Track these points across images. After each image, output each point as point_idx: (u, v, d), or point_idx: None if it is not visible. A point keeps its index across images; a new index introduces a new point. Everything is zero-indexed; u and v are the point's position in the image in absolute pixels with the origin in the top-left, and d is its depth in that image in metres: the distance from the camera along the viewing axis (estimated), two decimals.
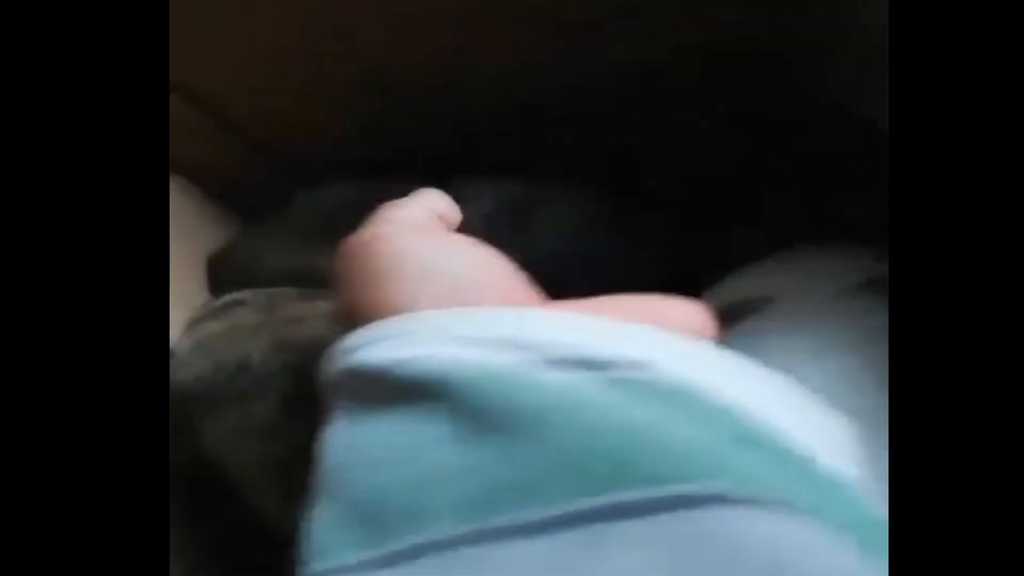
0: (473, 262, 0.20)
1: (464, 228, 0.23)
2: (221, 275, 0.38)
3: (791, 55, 0.32)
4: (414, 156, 0.37)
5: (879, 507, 0.14)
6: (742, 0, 0.30)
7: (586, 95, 0.36)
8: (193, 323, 0.29)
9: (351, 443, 0.17)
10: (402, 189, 0.23)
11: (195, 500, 0.30)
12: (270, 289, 0.29)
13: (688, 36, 0.32)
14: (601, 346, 0.16)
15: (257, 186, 0.40)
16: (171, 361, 0.28)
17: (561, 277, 0.21)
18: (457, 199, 0.24)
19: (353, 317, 0.19)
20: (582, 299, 0.19)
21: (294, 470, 0.26)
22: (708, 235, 0.36)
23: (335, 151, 0.38)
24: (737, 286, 0.30)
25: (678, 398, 0.15)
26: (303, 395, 0.26)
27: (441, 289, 0.18)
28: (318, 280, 0.30)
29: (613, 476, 0.13)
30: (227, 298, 0.29)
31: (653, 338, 0.17)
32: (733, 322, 0.27)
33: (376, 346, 0.17)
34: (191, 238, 0.38)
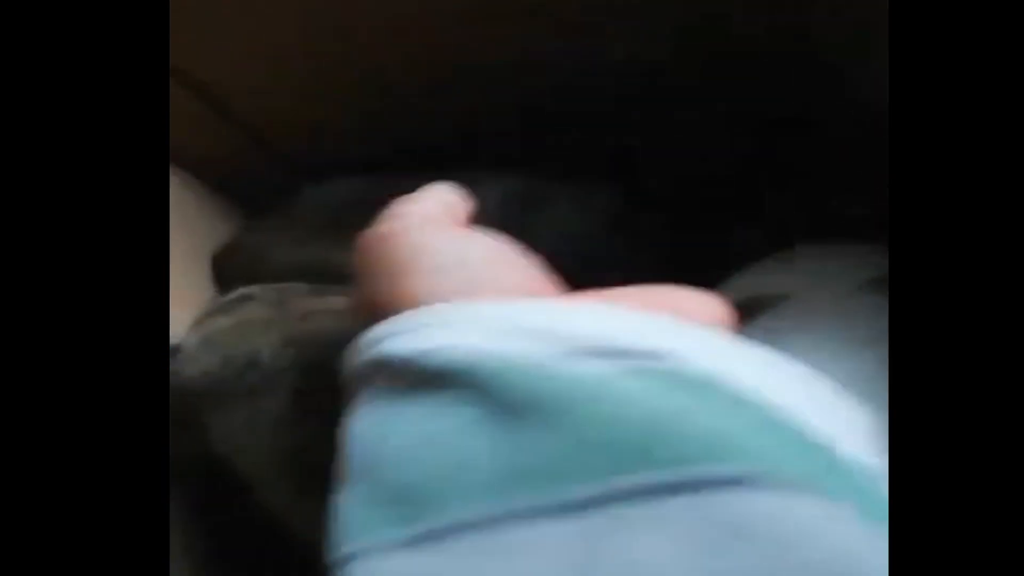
0: (490, 254, 0.20)
1: (474, 222, 0.23)
2: (227, 270, 0.38)
3: (791, 55, 0.32)
4: (414, 155, 0.37)
5: None
6: (742, 0, 0.30)
7: (586, 95, 0.36)
8: (201, 318, 0.28)
9: (378, 429, 0.17)
10: (410, 184, 0.23)
11: (203, 496, 0.30)
12: (279, 284, 0.29)
13: (688, 36, 0.32)
14: (624, 336, 0.16)
15: (259, 179, 0.40)
16: (178, 356, 0.28)
17: (563, 273, 0.21)
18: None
19: (373, 310, 0.19)
20: (600, 290, 0.19)
21: (305, 465, 0.26)
22: (708, 235, 0.36)
23: (335, 150, 0.39)
24: (747, 284, 0.30)
25: (701, 386, 0.15)
26: (314, 390, 0.26)
27: (460, 282, 0.19)
28: (327, 275, 0.30)
29: (638, 460, 0.14)
30: (235, 293, 0.29)
31: (675, 328, 0.17)
32: (748, 319, 0.27)
33: (401, 337, 0.18)
34: (193, 231, 0.38)
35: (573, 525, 0.14)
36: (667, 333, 0.17)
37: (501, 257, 0.20)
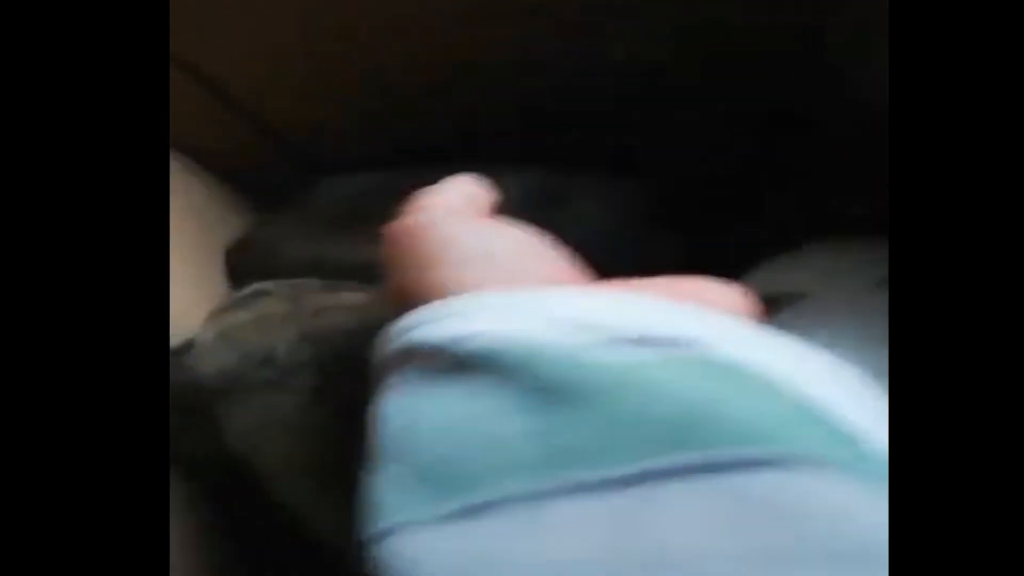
0: (518, 245, 0.20)
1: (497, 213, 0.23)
2: (239, 265, 0.38)
3: (791, 54, 0.32)
4: (414, 155, 0.37)
5: None
6: (742, 0, 0.30)
7: (586, 95, 0.36)
8: (215, 313, 0.28)
9: (411, 411, 0.17)
10: (426, 178, 0.23)
11: (222, 494, 0.30)
12: (294, 280, 0.29)
13: (688, 36, 0.32)
14: (655, 325, 0.17)
15: (271, 174, 0.40)
16: (192, 351, 0.27)
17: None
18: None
19: (403, 300, 0.20)
20: (628, 279, 0.19)
21: (325, 461, 0.26)
22: (708, 235, 0.36)
23: (335, 150, 0.39)
24: (762, 282, 0.30)
25: (732, 374, 0.15)
26: (331, 387, 0.26)
27: (489, 272, 0.19)
28: (340, 270, 0.30)
29: (674, 441, 0.14)
30: (250, 288, 0.29)
31: (704, 317, 0.17)
32: (768, 316, 0.27)
33: (433, 325, 0.18)
34: (205, 224, 0.38)
35: (608, 502, 0.14)
36: (697, 321, 0.17)
37: (529, 248, 0.20)
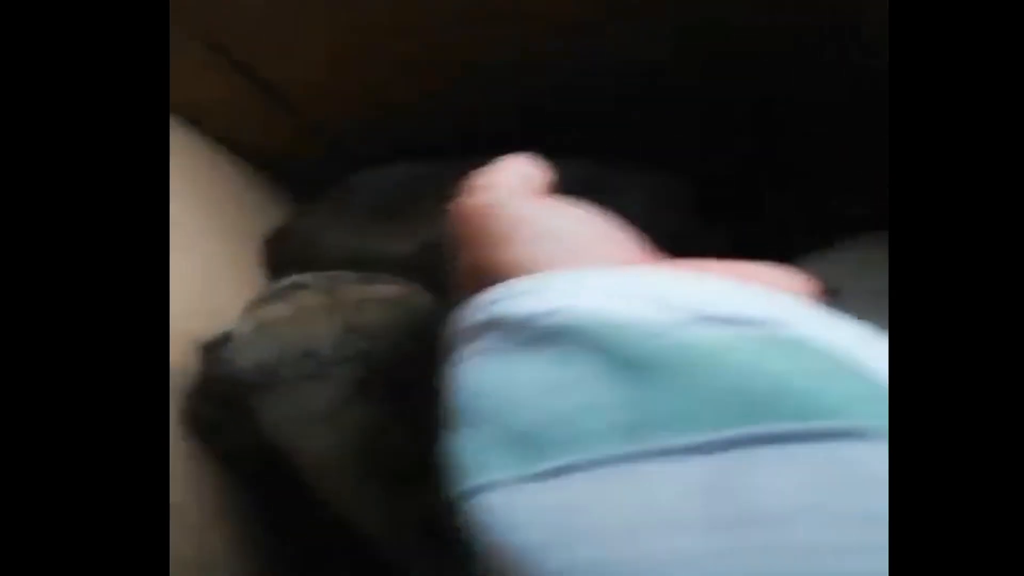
0: (585, 224, 0.21)
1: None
2: (278, 255, 0.38)
3: (791, 55, 0.32)
4: (414, 155, 0.37)
5: None
6: (742, 0, 0.30)
7: (586, 95, 0.36)
8: (253, 304, 0.28)
9: (496, 378, 0.17)
10: (465, 168, 0.23)
11: (263, 488, 0.30)
12: (330, 272, 0.29)
13: (688, 36, 0.32)
14: (738, 304, 0.17)
15: (308, 163, 0.40)
16: (230, 344, 0.27)
17: None
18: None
19: (477, 278, 0.20)
20: (693, 259, 0.20)
21: (368, 454, 0.26)
22: (708, 235, 0.36)
23: (335, 150, 0.39)
24: None
25: (805, 350, 0.16)
26: (376, 379, 0.26)
27: (561, 250, 0.19)
28: (376, 263, 0.30)
29: (761, 412, 0.14)
30: (288, 280, 0.29)
31: (780, 298, 0.18)
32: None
33: (516, 300, 0.18)
34: (243, 214, 0.38)
35: (699, 464, 0.14)
36: (769, 301, 0.17)
37: (595, 226, 0.21)
